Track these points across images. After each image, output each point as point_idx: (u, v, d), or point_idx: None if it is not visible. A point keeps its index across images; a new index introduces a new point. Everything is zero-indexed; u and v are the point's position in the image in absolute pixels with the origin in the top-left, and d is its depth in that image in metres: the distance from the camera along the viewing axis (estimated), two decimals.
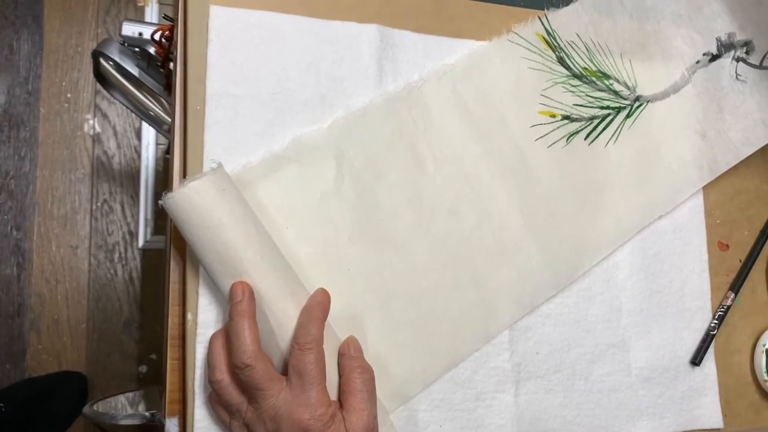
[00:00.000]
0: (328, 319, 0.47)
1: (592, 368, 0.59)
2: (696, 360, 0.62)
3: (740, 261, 0.67)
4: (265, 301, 0.44)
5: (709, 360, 0.63)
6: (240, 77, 0.51)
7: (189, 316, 0.47)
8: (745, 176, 0.69)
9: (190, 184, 0.43)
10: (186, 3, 0.50)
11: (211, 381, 0.44)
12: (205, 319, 0.48)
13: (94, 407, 0.81)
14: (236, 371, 0.42)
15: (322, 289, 0.47)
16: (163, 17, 0.65)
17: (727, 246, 0.67)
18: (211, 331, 0.47)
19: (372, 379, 0.46)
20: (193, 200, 0.43)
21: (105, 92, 0.83)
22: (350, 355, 0.46)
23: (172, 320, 0.49)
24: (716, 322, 0.64)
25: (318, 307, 0.45)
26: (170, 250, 0.49)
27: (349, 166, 0.53)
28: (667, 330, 0.62)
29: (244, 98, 0.51)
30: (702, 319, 0.64)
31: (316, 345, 0.43)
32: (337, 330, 0.49)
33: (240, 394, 0.44)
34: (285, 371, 0.44)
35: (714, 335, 0.63)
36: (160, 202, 0.44)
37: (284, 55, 0.52)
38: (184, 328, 0.48)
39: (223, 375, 0.44)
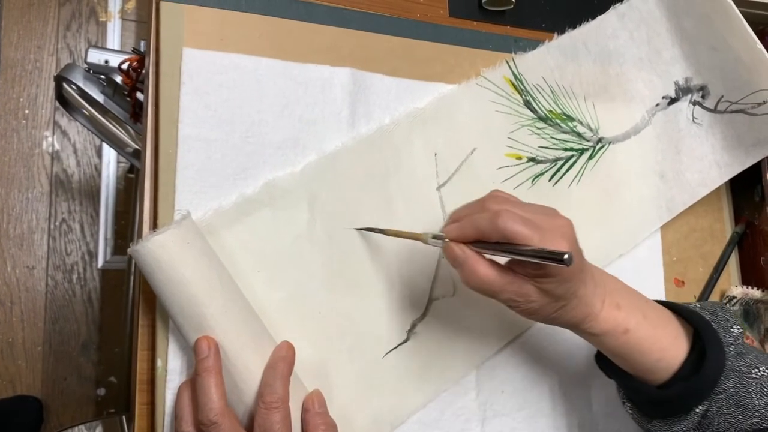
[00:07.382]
0: (296, 365, 0.47)
1: (554, 405, 0.61)
2: None
3: (695, 297, 0.70)
4: (229, 356, 0.44)
5: None
6: (213, 121, 0.50)
7: (159, 362, 0.47)
8: (699, 215, 0.72)
9: (154, 238, 0.42)
10: (158, 44, 0.50)
11: None
12: (176, 365, 0.47)
13: None
14: (202, 428, 0.42)
15: (287, 342, 0.47)
16: (132, 51, 0.64)
17: (683, 282, 0.69)
18: (181, 378, 0.47)
19: None
20: (157, 255, 0.43)
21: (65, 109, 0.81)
22: (314, 411, 0.46)
23: (141, 365, 0.48)
24: None
25: (282, 362, 0.45)
26: (139, 293, 0.49)
27: (321, 210, 0.53)
28: None
29: (217, 142, 0.50)
30: None
31: (282, 404, 0.43)
32: (307, 374, 0.49)
33: None
34: (250, 426, 0.44)
35: None
36: (128, 250, 0.44)
37: (258, 99, 0.52)
38: (153, 374, 0.48)
39: (189, 428, 0.43)
